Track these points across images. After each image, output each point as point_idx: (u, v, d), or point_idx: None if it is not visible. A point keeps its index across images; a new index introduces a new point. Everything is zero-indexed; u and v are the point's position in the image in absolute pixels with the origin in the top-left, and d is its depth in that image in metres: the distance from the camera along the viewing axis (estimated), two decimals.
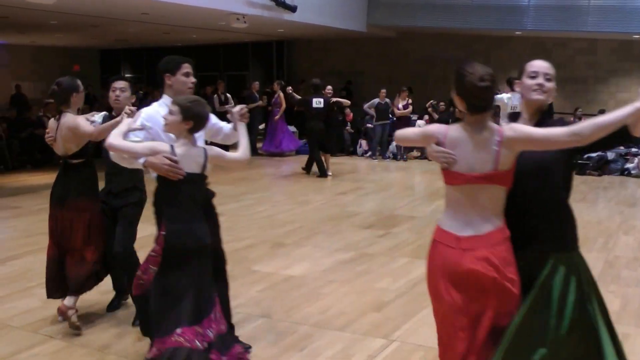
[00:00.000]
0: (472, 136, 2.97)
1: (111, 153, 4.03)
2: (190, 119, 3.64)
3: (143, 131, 3.98)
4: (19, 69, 23.19)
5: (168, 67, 4.24)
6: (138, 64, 26.03)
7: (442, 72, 19.36)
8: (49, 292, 5.13)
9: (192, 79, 4.30)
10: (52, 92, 5.15)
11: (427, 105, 16.48)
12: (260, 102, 16.88)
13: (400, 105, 15.64)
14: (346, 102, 15.14)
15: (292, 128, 17.68)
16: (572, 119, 14.57)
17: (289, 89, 16.07)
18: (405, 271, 6.38)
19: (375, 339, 4.71)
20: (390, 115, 15.98)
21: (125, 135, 3.85)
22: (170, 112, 3.66)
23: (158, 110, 4.05)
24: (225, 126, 4.53)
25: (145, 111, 4.16)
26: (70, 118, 4.96)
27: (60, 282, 5.06)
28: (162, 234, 3.69)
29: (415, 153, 16.21)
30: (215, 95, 16.75)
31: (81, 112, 5.32)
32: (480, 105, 2.96)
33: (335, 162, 14.86)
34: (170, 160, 3.59)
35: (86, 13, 14.23)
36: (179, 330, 3.52)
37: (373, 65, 20.85)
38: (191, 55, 17.31)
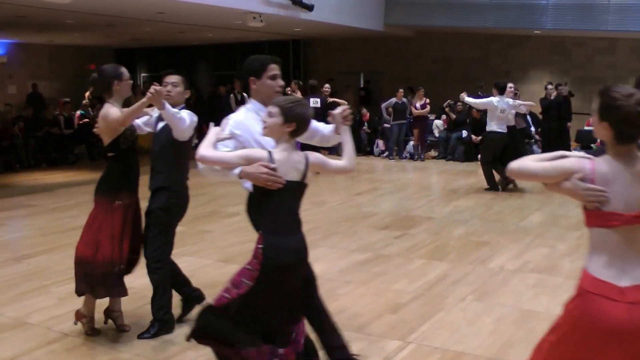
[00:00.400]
0: (626, 169, 2.61)
1: (200, 166, 3.63)
2: (293, 121, 3.35)
3: (232, 140, 3.70)
4: (36, 68, 23.33)
5: (252, 70, 3.86)
6: (154, 63, 26.10)
7: (459, 71, 19.31)
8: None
9: (280, 82, 3.91)
10: (92, 79, 5.01)
11: (444, 105, 16.44)
12: None
13: (417, 105, 15.61)
14: (343, 102, 15.19)
15: None
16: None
17: (288, 89, 16.19)
18: (422, 273, 6.37)
19: (391, 341, 4.70)
20: (408, 115, 15.97)
21: (214, 146, 3.55)
22: (270, 114, 3.37)
23: (247, 116, 3.80)
24: (324, 128, 4.06)
25: (233, 117, 3.84)
26: (105, 108, 4.82)
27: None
28: (259, 247, 3.37)
29: (432, 153, 16.18)
30: (232, 95, 16.78)
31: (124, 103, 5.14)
32: (635, 134, 2.61)
33: None
34: (268, 168, 3.30)
35: (102, 12, 14.30)
36: (253, 349, 3.33)
37: (390, 65, 20.81)
38: (207, 54, 17.43)
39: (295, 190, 3.46)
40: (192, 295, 5.20)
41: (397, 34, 19.52)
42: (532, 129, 15.28)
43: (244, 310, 3.35)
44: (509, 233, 8.11)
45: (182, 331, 4.66)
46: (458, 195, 10.88)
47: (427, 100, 15.83)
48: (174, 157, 4.96)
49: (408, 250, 7.30)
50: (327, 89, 14.25)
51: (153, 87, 4.25)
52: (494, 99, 11.09)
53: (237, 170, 3.45)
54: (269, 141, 3.52)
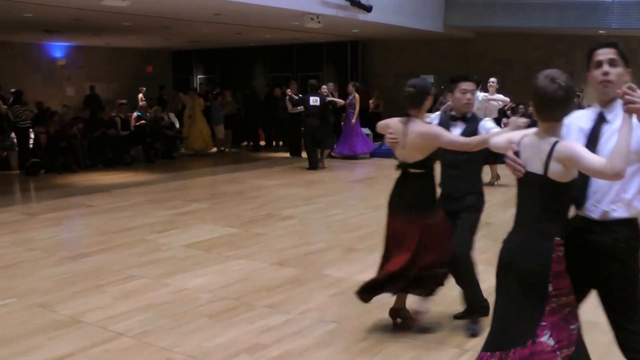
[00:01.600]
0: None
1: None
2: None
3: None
4: (94, 70, 23.86)
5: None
6: (210, 64, 26.41)
7: (521, 73, 19.06)
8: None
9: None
10: (408, 94, 4.82)
11: (505, 108, 16.24)
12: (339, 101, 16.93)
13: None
14: (340, 101, 15.44)
15: (366, 130, 17.68)
16: None
17: (288, 90, 16.35)
18: (482, 279, 6.24)
19: (449, 349, 4.67)
20: None
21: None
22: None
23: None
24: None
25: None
26: (424, 126, 4.73)
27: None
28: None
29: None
30: (287, 97, 16.87)
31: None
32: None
33: None
34: (514, 152, 3.19)
35: (159, 15, 14.52)
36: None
37: (449, 67, 20.64)
38: (264, 55, 17.59)
39: (534, 184, 3.13)
40: (480, 305, 5.11)
41: (457, 35, 19.39)
42: None
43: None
44: None
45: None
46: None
47: None
48: (480, 162, 5.16)
49: None
50: (324, 90, 15.00)
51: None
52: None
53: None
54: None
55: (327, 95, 15.07)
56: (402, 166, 4.87)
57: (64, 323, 5.25)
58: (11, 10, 13.55)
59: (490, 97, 11.93)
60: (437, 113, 5.33)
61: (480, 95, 11.65)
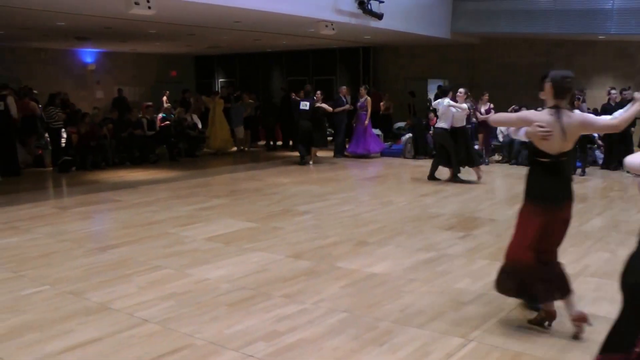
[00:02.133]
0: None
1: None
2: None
3: None
4: (121, 75, 23.96)
5: None
6: (231, 68, 26.46)
7: (523, 77, 18.97)
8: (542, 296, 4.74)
9: None
10: (567, 84, 4.66)
11: (509, 110, 16.17)
12: (348, 106, 16.94)
13: (482, 110, 15.38)
14: (328, 108, 15.74)
15: (376, 131, 17.67)
16: None
17: (293, 95, 16.82)
18: (485, 273, 6.28)
19: (454, 338, 4.66)
20: (474, 120, 15.75)
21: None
22: None
23: None
24: None
25: None
26: (577, 115, 4.61)
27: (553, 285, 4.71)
28: None
29: (496, 157, 15.94)
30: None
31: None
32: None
33: (419, 165, 14.81)
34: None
35: (183, 22, 14.57)
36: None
37: (456, 71, 20.61)
38: (281, 60, 17.65)
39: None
40: None
41: (463, 41, 19.31)
42: (595, 134, 14.87)
43: None
44: (570, 237, 7.82)
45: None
46: (521, 199, 10.66)
47: (492, 105, 15.56)
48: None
49: (471, 251, 7.22)
50: (318, 95, 15.56)
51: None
52: (435, 101, 12.73)
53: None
54: None
55: (317, 101, 15.44)
56: (556, 157, 4.63)
57: (93, 309, 5.29)
58: (46, 19, 13.66)
59: (453, 104, 12.22)
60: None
61: (446, 101, 12.23)
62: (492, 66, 19.93)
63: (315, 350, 4.45)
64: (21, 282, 6.10)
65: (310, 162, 15.49)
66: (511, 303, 5.32)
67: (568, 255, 6.94)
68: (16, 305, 5.44)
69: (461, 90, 12.51)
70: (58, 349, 4.49)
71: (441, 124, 12.35)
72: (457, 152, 12.32)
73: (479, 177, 12.50)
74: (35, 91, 17.42)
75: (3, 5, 11.33)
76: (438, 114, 12.48)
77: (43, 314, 5.19)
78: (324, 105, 15.57)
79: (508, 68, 19.51)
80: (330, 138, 19.53)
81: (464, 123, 12.49)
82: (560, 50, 18.59)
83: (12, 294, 5.73)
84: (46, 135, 15.36)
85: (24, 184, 12.81)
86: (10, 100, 13.80)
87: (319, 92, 16.19)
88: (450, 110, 12.21)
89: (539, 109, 4.95)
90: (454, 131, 12.31)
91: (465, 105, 12.46)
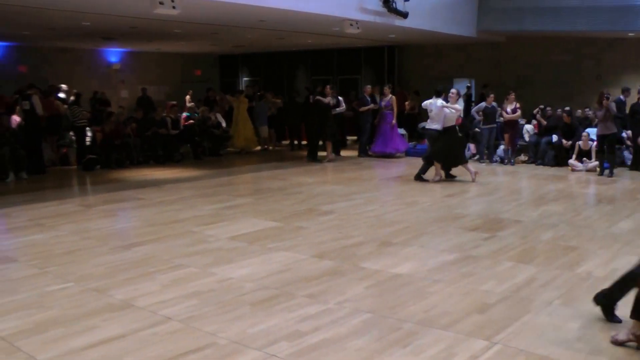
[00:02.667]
0: None
1: None
2: None
3: None
4: (145, 74, 24.14)
5: None
6: (255, 67, 26.53)
7: (550, 76, 18.83)
8: None
9: None
10: None
11: (534, 111, 16.05)
12: (372, 105, 16.91)
13: (508, 109, 15.26)
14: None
15: (401, 131, 17.61)
16: None
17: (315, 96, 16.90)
18: (510, 275, 6.23)
19: (478, 340, 4.62)
20: (500, 119, 15.66)
21: None
22: None
23: None
24: None
25: None
26: None
27: None
28: None
29: (522, 157, 15.81)
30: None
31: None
32: None
33: None
34: None
35: (208, 22, 14.62)
36: None
37: (482, 70, 20.50)
38: (306, 59, 17.69)
39: None
40: None
41: (489, 39, 19.20)
42: (624, 134, 14.72)
43: None
44: (598, 239, 7.84)
45: None
46: (547, 200, 10.60)
47: (518, 105, 15.44)
48: None
49: (496, 252, 7.15)
50: (327, 90, 16.13)
51: None
52: (427, 102, 12.68)
53: None
54: None
55: (328, 96, 16.01)
56: None
57: (116, 306, 5.33)
58: (72, 20, 13.81)
59: (447, 105, 12.37)
60: None
61: (439, 102, 12.37)
62: (518, 65, 19.79)
63: (338, 350, 4.44)
64: (46, 279, 6.17)
65: (331, 158, 15.86)
66: (537, 306, 5.27)
67: (596, 258, 6.87)
68: (41, 301, 5.50)
69: (453, 90, 12.71)
70: (82, 345, 4.52)
71: (434, 125, 12.44)
72: (447, 151, 12.44)
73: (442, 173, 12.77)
74: (64, 86, 17.63)
75: (31, 6, 11.47)
76: (431, 115, 12.49)
77: (67, 310, 5.24)
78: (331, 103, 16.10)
79: (535, 66, 19.37)
80: (354, 137, 19.55)
81: (454, 123, 12.55)
82: (588, 48, 18.42)
83: (38, 290, 5.80)
84: (71, 133, 15.52)
85: (49, 182, 12.97)
86: (36, 99, 13.97)
87: (368, 86, 16.29)
88: (443, 111, 12.32)
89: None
90: (445, 130, 12.42)
91: (458, 106, 12.69)
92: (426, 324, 4.92)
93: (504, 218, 9.07)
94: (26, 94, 13.96)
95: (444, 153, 12.44)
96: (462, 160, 12.69)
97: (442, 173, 12.66)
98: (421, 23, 15.87)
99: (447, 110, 12.28)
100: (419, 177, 12.60)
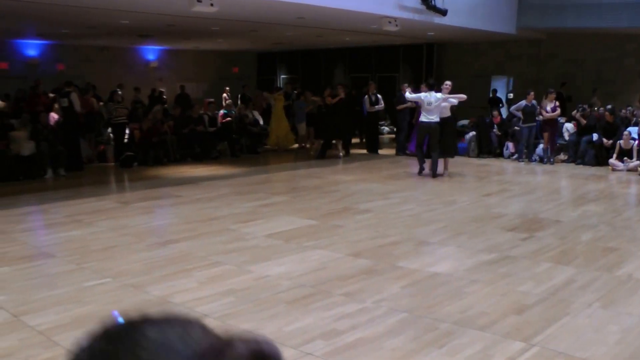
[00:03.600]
0: None
1: None
2: None
3: None
4: (183, 72, 24.34)
5: None
6: (293, 65, 26.59)
7: (591, 73, 18.55)
8: None
9: None
10: None
11: (573, 113, 15.83)
12: (409, 103, 16.84)
13: (548, 108, 15.07)
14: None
15: None
16: None
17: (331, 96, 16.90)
18: (548, 276, 6.17)
19: (515, 342, 4.58)
20: (540, 117, 15.48)
21: None
22: None
23: None
24: None
25: None
26: None
27: None
28: None
29: (562, 156, 15.62)
30: (366, 96, 16.87)
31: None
32: None
33: (483, 164, 14.66)
34: None
35: (246, 19, 14.69)
36: None
37: (521, 67, 20.29)
38: (343, 57, 17.76)
39: None
40: None
41: (529, 36, 18.98)
42: None
43: None
44: (639, 240, 7.72)
45: None
46: (587, 200, 10.46)
47: (558, 103, 15.24)
48: None
49: (534, 253, 7.09)
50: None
51: None
52: (422, 94, 12.90)
53: None
54: None
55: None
56: None
57: (153, 303, 5.40)
58: (110, 18, 14.00)
59: (451, 95, 12.86)
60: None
61: (439, 94, 12.74)
62: (558, 62, 19.54)
63: (374, 350, 4.44)
64: (84, 274, 6.27)
65: (340, 154, 16.38)
66: (576, 308, 5.22)
67: (637, 260, 6.78)
68: (79, 296, 5.60)
69: (448, 82, 13.18)
70: None
71: (433, 117, 12.68)
72: (443, 141, 12.97)
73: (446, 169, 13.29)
74: (121, 89, 17.86)
75: (70, 4, 11.65)
76: (429, 107, 12.67)
77: (105, 306, 5.32)
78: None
79: (576, 64, 19.11)
80: (392, 136, 19.51)
81: (449, 114, 13.13)
82: (631, 45, 18.10)
83: (75, 286, 5.90)
84: (108, 130, 15.73)
85: (86, 179, 13.18)
86: (74, 96, 14.22)
87: (405, 85, 16.74)
88: (450, 101, 12.83)
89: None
90: (442, 122, 12.87)
91: (463, 95, 13.05)
92: (463, 324, 4.90)
93: (542, 218, 8.98)
94: (65, 92, 14.19)
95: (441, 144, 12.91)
96: (451, 153, 13.35)
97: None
98: (460, 20, 15.77)
99: (445, 103, 12.77)
100: (435, 174, 12.96)
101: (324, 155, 16.09)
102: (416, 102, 13.49)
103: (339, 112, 16.05)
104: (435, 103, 12.63)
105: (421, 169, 13.17)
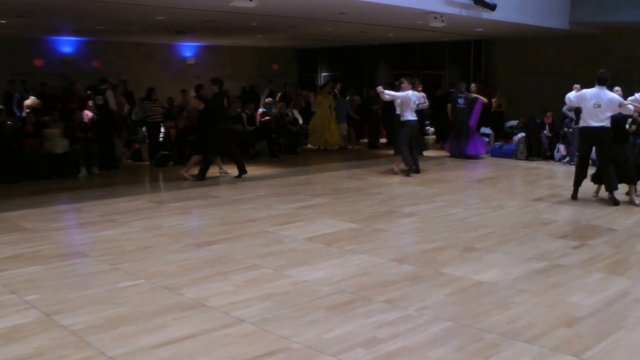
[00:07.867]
0: None
1: None
2: None
3: None
4: (220, 69, 24.49)
5: None
6: (334, 62, 26.60)
7: None
8: None
9: None
10: None
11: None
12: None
13: None
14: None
15: (487, 130, 17.38)
16: None
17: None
18: (601, 287, 6.07)
19: (565, 356, 4.51)
20: None
21: None
22: None
23: None
24: None
25: None
26: None
27: None
28: None
29: None
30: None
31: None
32: None
33: (532, 167, 14.51)
34: None
35: (286, 14, 14.74)
36: None
37: (573, 65, 20.00)
38: (387, 54, 17.78)
39: None
40: None
41: (582, 32, 18.68)
42: None
43: None
44: None
45: None
46: None
47: None
48: None
49: (586, 262, 6.98)
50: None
51: None
52: (409, 92, 13.39)
53: None
54: None
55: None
56: None
57: (188, 305, 5.45)
58: (146, 14, 14.18)
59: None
60: None
61: (417, 93, 13.83)
62: (613, 59, 19.18)
63: (417, 359, 4.43)
64: (117, 275, 6.37)
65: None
66: (632, 322, 5.13)
67: None
68: (112, 297, 5.69)
69: (403, 79, 13.85)
70: (152, 343, 4.65)
71: (411, 116, 13.44)
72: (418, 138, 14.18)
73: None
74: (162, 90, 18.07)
75: (107, 0, 11.82)
76: (413, 106, 13.39)
77: (138, 308, 5.40)
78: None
79: (632, 61, 18.76)
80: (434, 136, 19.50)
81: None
82: None
83: (109, 286, 5.99)
84: (143, 129, 15.91)
85: (121, 177, 13.37)
86: (109, 94, 14.42)
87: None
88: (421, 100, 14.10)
89: None
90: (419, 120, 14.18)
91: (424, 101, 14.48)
92: (510, 335, 4.85)
93: (595, 225, 8.85)
94: (100, 89, 14.39)
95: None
96: (425, 149, 15.09)
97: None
98: (510, 16, 15.60)
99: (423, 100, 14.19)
100: (419, 169, 13.73)
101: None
102: (395, 101, 13.71)
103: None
104: (414, 101, 13.49)
105: (410, 169, 13.52)
